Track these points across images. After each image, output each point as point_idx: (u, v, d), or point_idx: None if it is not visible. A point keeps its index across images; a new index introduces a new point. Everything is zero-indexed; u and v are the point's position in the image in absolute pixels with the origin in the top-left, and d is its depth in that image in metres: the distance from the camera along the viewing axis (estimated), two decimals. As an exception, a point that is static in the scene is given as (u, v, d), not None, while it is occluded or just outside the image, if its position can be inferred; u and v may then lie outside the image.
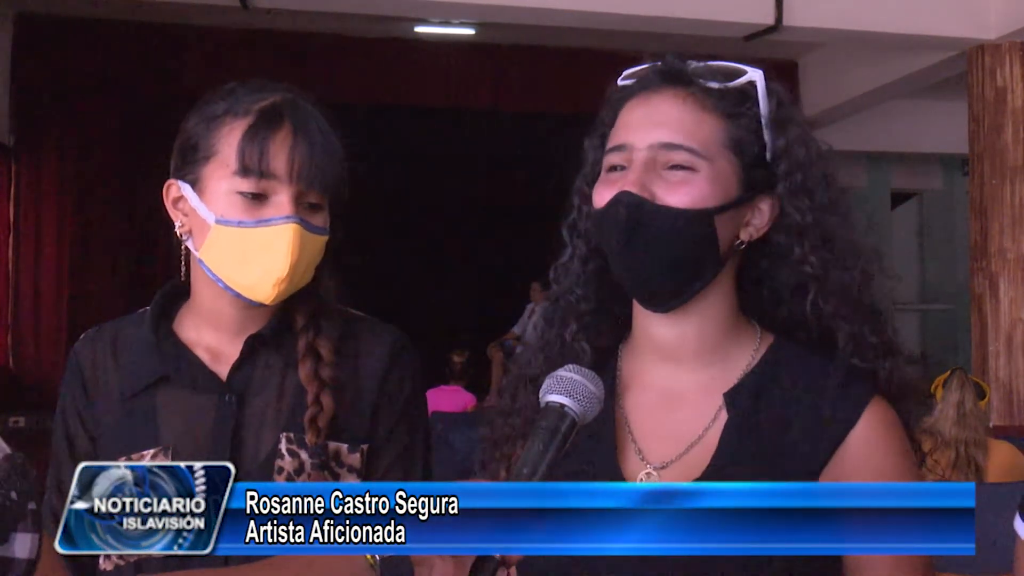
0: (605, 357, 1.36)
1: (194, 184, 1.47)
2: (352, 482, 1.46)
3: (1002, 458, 4.25)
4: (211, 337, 1.52)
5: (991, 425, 6.41)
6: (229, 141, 1.44)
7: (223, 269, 1.45)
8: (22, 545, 0.73)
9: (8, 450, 0.75)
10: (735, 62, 1.31)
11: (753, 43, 7.46)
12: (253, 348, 1.50)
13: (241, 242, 1.43)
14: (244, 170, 1.42)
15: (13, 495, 0.73)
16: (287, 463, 1.45)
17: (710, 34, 7.40)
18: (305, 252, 1.44)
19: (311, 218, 1.45)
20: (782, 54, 9.45)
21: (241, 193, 1.43)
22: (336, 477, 1.47)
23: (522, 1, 7.10)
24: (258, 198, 1.43)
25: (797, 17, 7.20)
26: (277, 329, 1.51)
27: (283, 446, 1.46)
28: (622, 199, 1.23)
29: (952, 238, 12.85)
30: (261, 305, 1.46)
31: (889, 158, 12.43)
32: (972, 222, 7.70)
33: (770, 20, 7.16)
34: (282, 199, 1.43)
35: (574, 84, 9.36)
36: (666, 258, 1.23)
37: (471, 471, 1.41)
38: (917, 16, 7.39)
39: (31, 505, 0.74)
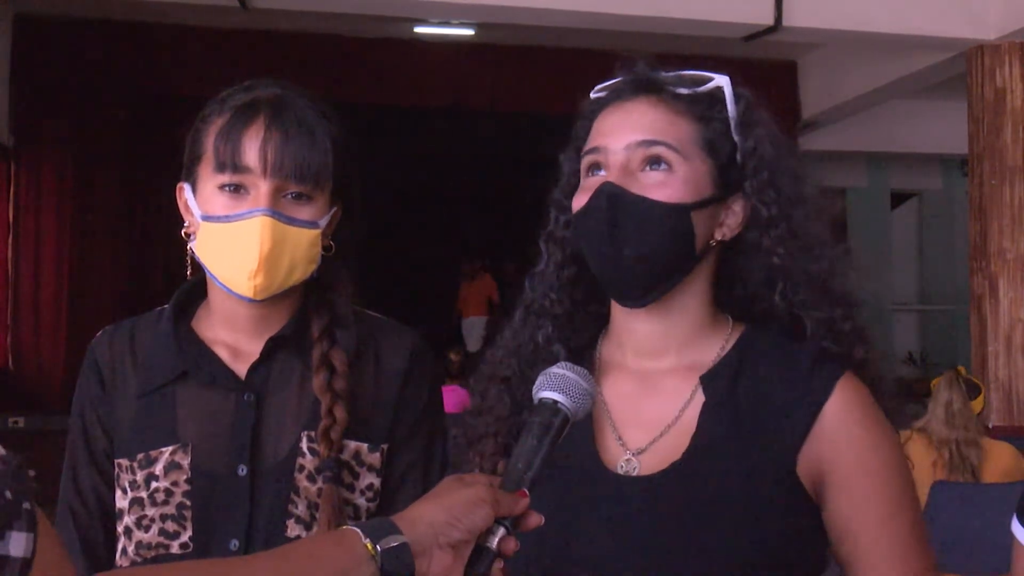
0: (581, 351, 1.39)
1: (193, 185, 1.49)
2: (372, 481, 1.49)
3: (1002, 459, 4.24)
4: (229, 336, 1.52)
5: (991, 425, 6.41)
6: (211, 139, 1.46)
7: (211, 265, 1.47)
8: (17, 544, 0.73)
9: (2, 451, 0.75)
10: (730, 63, 1.33)
11: (752, 43, 7.47)
12: (273, 349, 1.50)
13: (221, 237, 1.44)
14: (220, 165, 1.44)
15: (8, 494, 0.73)
16: (308, 461, 1.46)
17: (709, 34, 7.42)
18: (283, 245, 1.43)
19: (293, 211, 1.44)
20: (781, 54, 9.47)
21: (220, 188, 1.44)
22: (356, 476, 1.48)
23: (522, 1, 7.10)
24: (237, 192, 1.44)
25: (797, 17, 7.20)
26: (297, 331, 1.51)
27: (304, 444, 1.46)
28: (604, 189, 1.26)
29: (952, 238, 12.86)
30: (252, 301, 1.46)
31: (889, 158, 12.44)
32: (971, 222, 7.71)
33: (769, 20, 7.16)
34: (258, 192, 1.43)
35: (573, 84, 9.26)
36: (645, 249, 1.26)
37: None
38: (917, 16, 7.39)
39: (26, 505, 0.74)
